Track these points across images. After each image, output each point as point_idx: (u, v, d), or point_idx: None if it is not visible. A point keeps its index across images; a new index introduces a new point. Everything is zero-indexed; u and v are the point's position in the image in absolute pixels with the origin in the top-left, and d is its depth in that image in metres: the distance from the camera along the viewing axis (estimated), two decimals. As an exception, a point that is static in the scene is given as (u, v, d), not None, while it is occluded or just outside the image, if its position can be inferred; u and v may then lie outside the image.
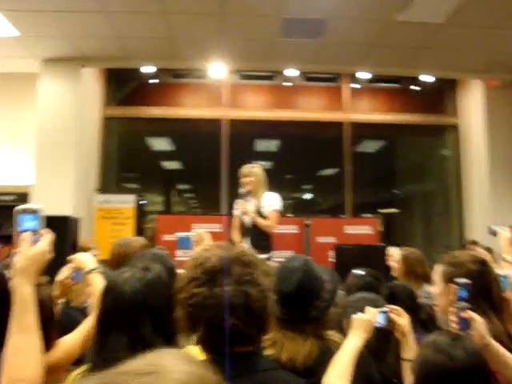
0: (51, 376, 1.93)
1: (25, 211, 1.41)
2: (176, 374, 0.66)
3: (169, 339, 1.48)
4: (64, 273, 2.49)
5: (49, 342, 1.96)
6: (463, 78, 7.41)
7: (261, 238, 4.52)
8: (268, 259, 4.36)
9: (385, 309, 2.02)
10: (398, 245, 5.37)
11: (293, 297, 1.79)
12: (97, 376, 0.69)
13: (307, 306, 1.80)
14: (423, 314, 2.67)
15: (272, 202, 4.56)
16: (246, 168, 4.63)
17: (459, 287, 1.78)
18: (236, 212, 4.69)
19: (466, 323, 1.67)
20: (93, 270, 2.24)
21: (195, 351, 1.33)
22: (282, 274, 1.84)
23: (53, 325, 2.04)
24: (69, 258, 2.37)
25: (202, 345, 1.29)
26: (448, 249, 7.69)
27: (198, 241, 2.06)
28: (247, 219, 4.58)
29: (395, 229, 8.42)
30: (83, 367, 1.56)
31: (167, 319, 1.44)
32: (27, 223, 1.42)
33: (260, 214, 4.52)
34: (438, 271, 2.01)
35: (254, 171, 4.61)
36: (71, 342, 2.07)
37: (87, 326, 2.10)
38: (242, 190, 4.59)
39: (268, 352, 1.70)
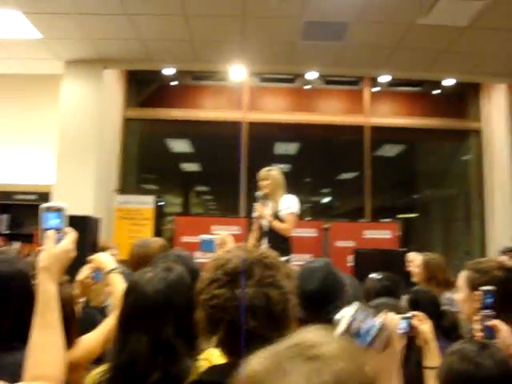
0: (71, 374, 1.94)
1: (49, 209, 1.41)
2: (338, 364, 0.63)
3: (190, 341, 1.48)
4: (84, 272, 2.51)
5: (69, 340, 1.97)
6: (486, 82, 7.31)
7: (278, 241, 4.49)
8: (287, 262, 4.34)
9: (407, 315, 1.99)
10: (417, 250, 5.33)
11: (315, 295, 1.76)
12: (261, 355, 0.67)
13: (329, 306, 1.77)
14: (447, 321, 2.62)
15: (289, 204, 4.53)
16: (264, 171, 4.62)
17: (484, 294, 1.74)
18: (254, 215, 4.69)
19: (490, 332, 1.64)
20: (112, 270, 2.26)
21: (216, 353, 1.32)
22: (304, 274, 1.82)
23: (73, 323, 2.05)
24: (89, 258, 2.39)
25: (221, 347, 1.27)
26: (468, 255, 7.59)
27: (221, 244, 2.05)
28: (265, 222, 4.57)
29: (414, 234, 8.33)
30: (103, 366, 1.56)
31: (189, 321, 1.44)
32: (51, 221, 1.42)
33: (277, 217, 4.50)
34: (462, 277, 1.97)
35: (271, 174, 4.59)
36: (91, 340, 2.09)
37: (108, 325, 2.11)
38: (258, 193, 4.58)
39: None
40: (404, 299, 2.78)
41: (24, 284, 1.62)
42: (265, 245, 4.56)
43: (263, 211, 4.52)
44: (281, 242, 4.48)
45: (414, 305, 2.82)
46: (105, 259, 2.34)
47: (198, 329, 1.31)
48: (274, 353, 0.66)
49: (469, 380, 1.35)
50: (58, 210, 1.44)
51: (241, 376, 0.66)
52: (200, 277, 1.31)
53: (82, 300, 2.65)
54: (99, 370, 1.55)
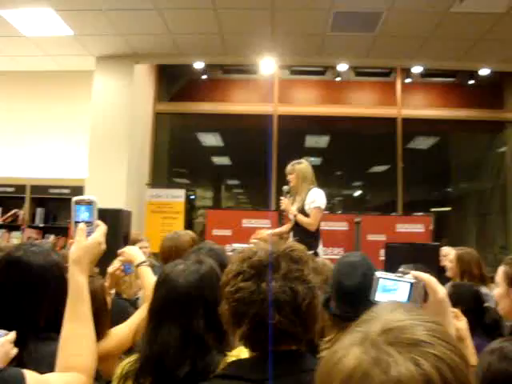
0: (103, 364, 1.99)
1: (80, 202, 1.43)
2: (438, 347, 0.61)
3: (220, 336, 1.47)
4: (115, 265, 2.56)
5: (101, 331, 2.02)
6: (524, 70, 7.09)
7: (305, 235, 4.48)
8: (314, 256, 4.32)
9: None
10: (450, 244, 5.22)
11: (356, 291, 1.73)
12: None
13: (370, 302, 1.74)
14: (488, 317, 2.55)
15: (314, 198, 4.50)
16: (289, 165, 4.63)
17: None
18: (281, 209, 4.71)
19: None
20: (142, 263, 2.29)
21: (246, 351, 1.31)
22: (344, 269, 1.79)
23: (105, 315, 2.09)
24: (119, 251, 2.42)
25: (245, 341, 1.24)
26: (504, 249, 7.40)
27: None
28: (291, 216, 4.56)
29: (448, 228, 8.17)
30: (133, 356, 1.58)
31: (219, 315, 1.43)
32: (82, 214, 1.44)
33: (303, 211, 4.47)
34: (500, 273, 1.91)
35: (296, 168, 4.57)
36: (123, 331, 2.13)
37: (139, 316, 2.14)
38: (284, 188, 4.62)
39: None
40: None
41: (59, 275, 1.63)
42: (291, 239, 4.56)
43: (288, 205, 4.51)
44: (307, 237, 4.46)
45: (455, 299, 2.75)
46: (134, 252, 2.36)
47: (222, 322, 1.30)
48: (366, 342, 0.62)
49: (509, 380, 1.30)
50: (89, 203, 1.45)
51: (335, 374, 0.62)
52: (226, 269, 1.30)
53: (112, 292, 2.70)
54: (129, 360, 1.56)
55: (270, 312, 1.16)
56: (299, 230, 4.52)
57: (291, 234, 4.63)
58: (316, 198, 4.51)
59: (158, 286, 1.58)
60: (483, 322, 2.45)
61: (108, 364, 2.02)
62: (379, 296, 1.19)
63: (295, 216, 4.48)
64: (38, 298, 1.58)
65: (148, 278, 2.20)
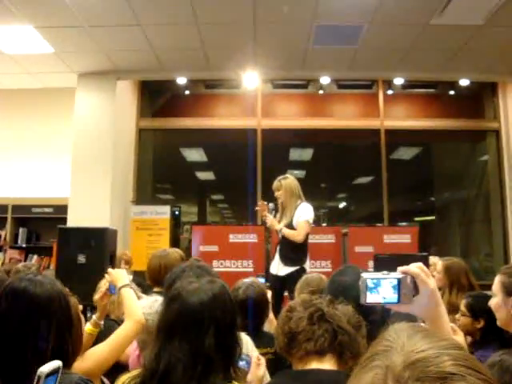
0: None
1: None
2: (467, 378, 0.57)
3: (228, 358, 1.45)
4: (102, 288, 2.53)
5: (76, 350, 1.96)
6: (503, 80, 7.21)
7: (289, 250, 4.48)
8: (301, 272, 4.32)
9: None
10: (436, 254, 5.24)
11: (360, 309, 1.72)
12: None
13: (370, 318, 1.72)
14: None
15: (302, 213, 4.51)
16: (276, 181, 4.66)
17: None
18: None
19: None
20: (124, 285, 2.34)
21: None
22: (339, 289, 1.78)
23: (79, 334, 2.03)
24: (105, 273, 2.44)
25: None
26: (489, 257, 7.46)
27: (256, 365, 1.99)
28: (278, 232, 4.57)
29: (433, 237, 8.21)
30: (134, 372, 1.55)
31: (229, 334, 1.43)
32: None
33: (291, 226, 4.47)
34: (496, 282, 1.91)
35: (283, 184, 4.59)
36: (101, 351, 2.08)
37: (119, 335, 2.11)
38: (270, 205, 4.65)
39: None
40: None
41: (65, 305, 1.63)
42: (277, 254, 4.56)
43: (273, 222, 4.52)
44: (292, 252, 4.46)
45: (472, 310, 2.73)
46: (119, 275, 2.41)
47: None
48: (391, 381, 0.58)
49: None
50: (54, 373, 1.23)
51: None
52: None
53: (101, 323, 2.65)
54: (129, 375, 1.54)
55: None
56: (285, 246, 4.51)
57: (278, 249, 4.61)
58: (304, 212, 4.52)
59: (170, 302, 1.57)
60: (502, 336, 2.39)
61: None
62: (370, 297, 1.17)
63: (280, 230, 4.47)
64: (44, 330, 1.54)
65: (128, 300, 2.27)
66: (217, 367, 1.43)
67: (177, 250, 3.21)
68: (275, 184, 4.63)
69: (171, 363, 1.43)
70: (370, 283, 1.17)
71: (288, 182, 4.60)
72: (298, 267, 4.42)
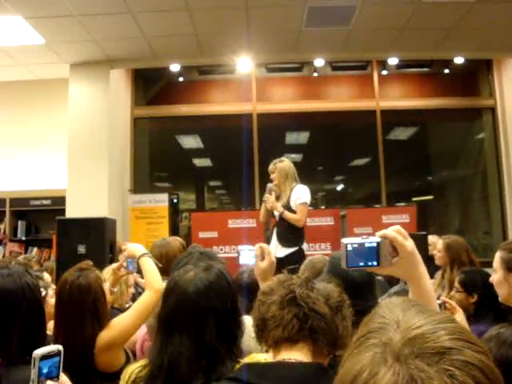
0: (107, 353, 2.06)
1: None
2: (466, 353, 0.57)
3: (232, 343, 1.45)
4: (105, 276, 2.57)
5: (102, 321, 2.09)
6: (498, 57, 7.18)
7: (288, 231, 4.49)
8: (298, 253, 4.34)
9: (438, 301, 1.94)
10: (434, 233, 5.26)
11: (365, 282, 1.72)
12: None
13: (369, 295, 1.73)
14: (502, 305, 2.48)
15: (299, 195, 4.51)
16: (271, 164, 4.65)
17: None
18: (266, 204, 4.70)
19: None
20: (144, 254, 2.36)
21: (259, 358, 1.29)
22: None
23: (104, 305, 2.12)
24: (122, 247, 2.49)
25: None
26: (487, 235, 7.50)
27: (261, 255, 2.02)
28: (276, 213, 4.55)
29: (431, 216, 8.24)
30: (141, 361, 1.57)
31: (231, 321, 1.42)
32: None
33: (288, 207, 4.47)
34: (496, 258, 1.92)
35: (277, 166, 4.59)
36: (124, 321, 2.15)
37: (140, 304, 2.19)
38: (269, 185, 4.62)
39: None
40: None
41: (32, 298, 1.65)
42: (275, 235, 4.56)
43: (274, 203, 4.51)
44: (291, 233, 4.48)
45: (468, 286, 2.77)
46: (136, 247, 2.45)
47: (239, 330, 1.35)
48: (391, 358, 0.58)
49: (508, 365, 1.29)
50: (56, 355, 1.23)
51: None
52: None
53: (115, 289, 2.73)
54: (137, 365, 1.54)
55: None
56: (283, 227, 4.52)
57: (275, 230, 4.62)
58: (301, 194, 4.52)
59: (167, 294, 1.55)
60: (497, 310, 2.41)
61: (112, 353, 2.06)
62: (350, 261, 1.18)
63: (282, 213, 4.47)
64: (8, 324, 1.57)
65: (149, 267, 2.29)
66: (223, 356, 1.41)
67: (177, 238, 3.22)
68: (270, 167, 4.65)
69: (174, 358, 1.41)
70: (349, 247, 1.18)
71: (282, 164, 4.61)
72: (296, 248, 4.44)
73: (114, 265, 2.65)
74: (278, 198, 4.62)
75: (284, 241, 4.51)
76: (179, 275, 1.56)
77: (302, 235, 4.58)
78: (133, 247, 2.45)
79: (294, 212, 4.47)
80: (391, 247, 1.17)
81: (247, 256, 2.46)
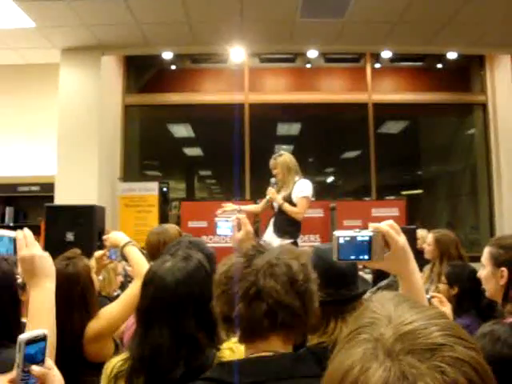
0: (95, 345, 2.04)
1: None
2: (457, 350, 0.57)
3: (211, 331, 1.44)
4: (100, 252, 2.58)
5: (90, 311, 2.08)
6: (490, 53, 7.20)
7: (286, 224, 4.49)
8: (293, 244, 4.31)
9: (427, 296, 1.95)
10: (423, 227, 5.29)
11: (350, 271, 1.71)
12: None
13: (354, 284, 1.73)
14: (484, 301, 2.50)
15: (302, 188, 4.50)
16: (271, 160, 4.62)
17: None
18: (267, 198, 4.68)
19: None
20: (128, 243, 2.31)
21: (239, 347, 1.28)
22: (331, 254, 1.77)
23: (92, 294, 2.11)
24: (104, 237, 2.49)
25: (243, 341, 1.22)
26: (475, 230, 7.56)
27: (238, 226, 2.03)
28: (276, 204, 4.55)
29: (420, 210, 8.28)
30: (123, 355, 1.55)
31: (210, 310, 1.40)
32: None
33: (290, 201, 4.46)
34: (485, 254, 1.92)
35: (278, 161, 4.57)
36: (113, 310, 2.14)
37: (129, 294, 2.16)
38: (271, 180, 4.59)
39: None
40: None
41: (6, 284, 1.65)
42: (271, 226, 4.56)
43: (274, 194, 4.50)
44: (289, 226, 4.47)
45: (451, 279, 2.81)
46: (118, 235, 2.40)
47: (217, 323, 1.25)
48: (382, 354, 0.57)
49: (504, 362, 1.29)
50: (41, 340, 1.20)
51: None
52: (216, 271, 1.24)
53: (100, 277, 2.71)
54: (119, 359, 1.53)
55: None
56: (281, 219, 4.52)
57: (272, 222, 4.61)
58: (303, 188, 4.51)
59: (146, 284, 1.54)
60: (479, 305, 2.45)
61: (100, 343, 2.05)
62: (342, 254, 1.19)
63: (281, 205, 4.46)
64: None
65: (135, 256, 2.24)
66: (203, 345, 1.41)
67: (174, 225, 3.21)
68: (271, 162, 4.60)
69: (155, 350, 1.41)
70: (341, 240, 1.18)
71: (283, 158, 4.58)
72: (292, 240, 4.43)
73: (97, 253, 2.62)
74: (278, 191, 4.61)
75: (280, 232, 4.49)
76: (157, 266, 1.54)
77: (299, 228, 4.58)
78: (115, 236, 2.41)
79: (294, 205, 4.46)
80: (383, 241, 1.17)
81: (224, 227, 2.47)
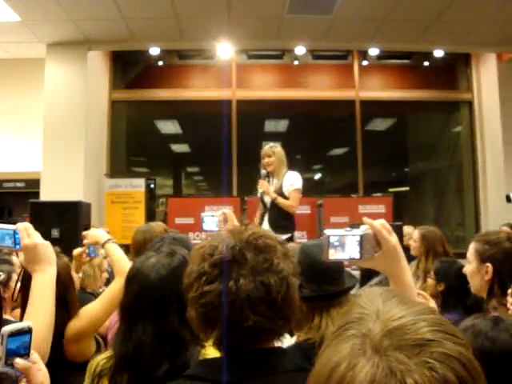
0: (77, 344, 2.01)
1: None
2: (445, 345, 0.57)
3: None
4: (79, 249, 2.55)
5: (70, 310, 2.03)
6: (476, 51, 7.25)
7: (281, 218, 4.45)
8: (289, 240, 4.29)
9: None
10: (410, 223, 5.32)
11: (333, 267, 1.71)
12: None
13: (339, 280, 1.73)
14: (471, 299, 2.49)
15: (293, 181, 4.47)
16: (267, 148, 4.52)
17: None
18: (259, 193, 4.63)
19: None
20: (108, 240, 2.28)
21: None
22: (315, 249, 1.76)
23: (72, 293, 2.07)
24: (83, 233, 2.43)
25: (219, 346, 1.13)
26: (461, 227, 7.62)
27: (224, 220, 2.01)
28: (267, 199, 4.51)
29: (406, 207, 8.33)
30: (107, 353, 1.54)
31: None
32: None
33: (281, 194, 4.44)
34: (471, 249, 1.94)
35: (275, 151, 4.51)
36: (94, 309, 2.10)
37: (110, 292, 2.13)
38: (262, 172, 4.49)
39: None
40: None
41: None
42: (266, 222, 4.51)
43: (268, 188, 4.44)
44: (284, 220, 4.44)
45: (438, 275, 2.83)
46: (98, 233, 2.37)
47: (192, 327, 1.17)
48: (370, 350, 0.57)
49: (485, 356, 1.30)
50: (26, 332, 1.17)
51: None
52: (186, 270, 1.15)
53: (79, 275, 2.69)
54: (103, 357, 1.51)
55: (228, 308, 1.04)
56: (275, 214, 4.46)
57: (266, 217, 4.55)
58: (294, 181, 4.47)
59: (129, 281, 1.52)
60: (465, 302, 2.47)
61: (81, 343, 2.02)
62: (332, 254, 1.17)
63: (275, 199, 4.41)
64: None
65: (116, 254, 2.21)
66: (187, 342, 1.39)
67: (160, 223, 3.19)
68: (267, 150, 4.49)
69: (138, 347, 1.39)
70: (332, 239, 1.17)
71: (279, 150, 4.53)
72: (289, 235, 4.41)
73: (76, 251, 2.59)
74: (268, 181, 4.51)
75: (277, 227, 4.45)
76: (141, 262, 1.53)
77: (294, 223, 4.54)
78: (95, 233, 2.38)
79: (286, 198, 4.43)
80: (374, 241, 1.16)
81: (210, 222, 2.45)
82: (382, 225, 1.17)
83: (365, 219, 1.18)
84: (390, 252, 1.16)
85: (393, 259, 1.17)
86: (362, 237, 1.16)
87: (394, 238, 1.17)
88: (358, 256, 1.16)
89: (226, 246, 1.09)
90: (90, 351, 2.03)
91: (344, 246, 1.17)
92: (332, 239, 1.17)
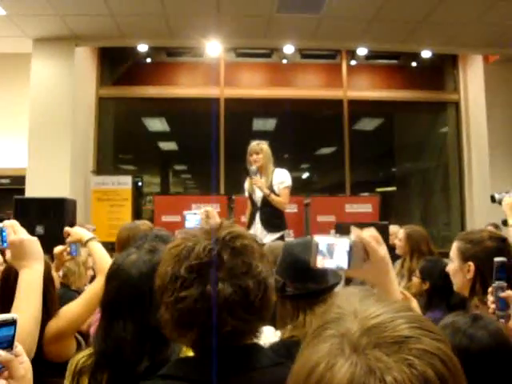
0: (57, 344, 1.98)
1: None
2: (423, 342, 0.57)
3: None
4: (59, 247, 2.53)
5: (50, 310, 1.99)
6: (463, 53, 7.31)
7: (273, 216, 4.44)
8: (281, 239, 4.29)
9: None
10: (396, 223, 5.35)
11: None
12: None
13: (324, 278, 1.73)
14: (455, 298, 2.51)
15: (283, 178, 4.46)
16: (255, 145, 4.49)
17: (496, 266, 1.71)
18: (246, 191, 4.61)
19: (504, 303, 1.62)
20: (91, 239, 2.26)
21: None
22: (298, 248, 1.76)
23: (52, 292, 2.05)
24: (65, 230, 2.41)
25: (195, 349, 1.12)
26: (447, 226, 7.68)
27: (206, 218, 2.00)
28: (257, 197, 4.49)
29: (393, 207, 8.38)
30: (87, 350, 1.52)
31: None
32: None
33: (272, 191, 4.40)
34: (453, 248, 1.95)
35: (263, 148, 4.49)
36: (74, 308, 2.08)
37: (91, 291, 2.11)
38: (252, 168, 4.41)
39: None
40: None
41: None
42: (258, 221, 4.48)
43: (263, 184, 4.38)
44: (276, 218, 4.44)
45: (423, 274, 2.85)
46: (81, 231, 2.36)
47: (165, 331, 1.13)
48: (348, 349, 0.56)
49: (463, 353, 1.31)
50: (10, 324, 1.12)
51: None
52: (159, 270, 1.12)
53: (60, 273, 2.66)
54: (83, 355, 1.50)
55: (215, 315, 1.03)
56: (266, 212, 4.45)
57: (257, 215, 4.53)
58: (284, 178, 4.47)
59: (110, 277, 1.50)
60: (450, 301, 2.49)
61: (61, 343, 1.99)
62: (320, 261, 1.14)
63: (268, 196, 4.37)
64: None
65: (98, 252, 2.20)
66: (167, 339, 1.36)
67: (146, 222, 3.18)
68: (255, 147, 4.46)
69: (118, 343, 1.38)
70: (321, 247, 1.14)
71: (266, 147, 4.50)
72: (281, 233, 4.40)
73: (57, 249, 2.56)
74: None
75: (270, 226, 4.44)
76: (122, 258, 1.51)
77: (284, 221, 4.54)
78: (77, 232, 2.36)
79: (276, 196, 4.41)
80: (363, 251, 1.14)
81: (192, 220, 2.43)
82: (372, 236, 1.14)
83: (353, 228, 1.14)
84: (378, 263, 1.14)
85: (381, 270, 1.16)
86: (350, 246, 1.12)
87: (383, 249, 1.15)
88: (345, 265, 1.13)
89: (202, 249, 1.06)
90: (70, 351, 2.00)
91: (332, 253, 1.14)
92: (321, 246, 1.14)
